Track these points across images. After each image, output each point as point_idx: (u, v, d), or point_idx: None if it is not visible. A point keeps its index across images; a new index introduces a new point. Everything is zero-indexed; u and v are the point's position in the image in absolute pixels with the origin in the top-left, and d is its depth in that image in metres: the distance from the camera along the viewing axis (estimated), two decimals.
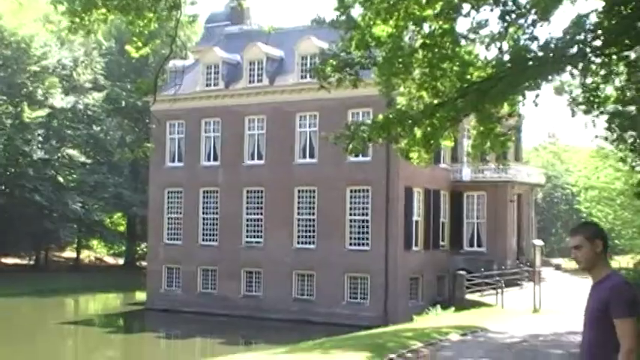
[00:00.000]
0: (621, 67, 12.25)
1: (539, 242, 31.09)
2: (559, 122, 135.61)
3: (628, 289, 4.85)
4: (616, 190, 55.56)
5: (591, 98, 12.44)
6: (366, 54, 11.71)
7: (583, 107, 14.64)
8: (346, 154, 37.80)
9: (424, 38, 12.86)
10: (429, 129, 12.22)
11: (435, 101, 12.45)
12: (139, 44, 12.75)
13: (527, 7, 13.79)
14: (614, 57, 11.71)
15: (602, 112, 12.68)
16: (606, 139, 14.43)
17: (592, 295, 5.05)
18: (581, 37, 12.30)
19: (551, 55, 12.32)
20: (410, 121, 11.87)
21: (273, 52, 42.66)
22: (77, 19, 11.42)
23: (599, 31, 12.01)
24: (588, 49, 12.15)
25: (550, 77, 12.61)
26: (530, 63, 12.44)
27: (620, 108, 12.47)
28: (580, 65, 12.66)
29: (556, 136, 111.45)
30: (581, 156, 78.06)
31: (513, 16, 13.63)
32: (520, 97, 13.30)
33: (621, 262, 67.18)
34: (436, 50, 12.57)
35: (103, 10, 11.59)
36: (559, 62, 12.41)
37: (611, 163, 56.10)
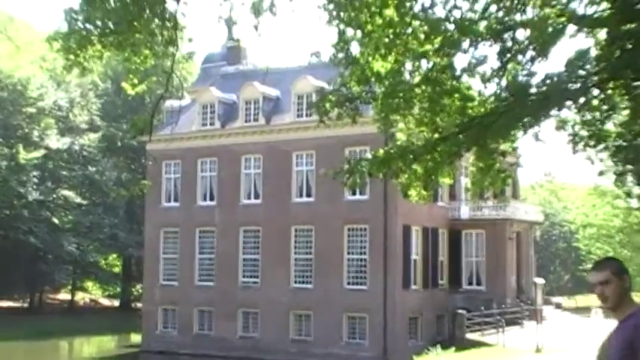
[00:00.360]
0: (624, 102, 12.09)
1: (540, 280, 30.78)
2: (555, 160, 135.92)
3: None
4: (615, 228, 55.44)
5: (596, 132, 12.27)
6: (366, 88, 11.54)
7: (586, 142, 14.44)
8: (344, 190, 37.79)
9: (422, 75, 12.69)
10: (430, 164, 12.01)
11: (436, 136, 12.28)
12: (135, 81, 12.58)
13: (526, 43, 13.69)
14: (617, 91, 11.56)
15: (606, 147, 12.48)
16: (614, 173, 14.19)
17: (615, 337, 4.71)
18: (583, 71, 12.15)
19: (552, 89, 12.16)
20: (411, 156, 11.66)
21: (269, 91, 42.67)
22: (72, 57, 11.24)
23: (602, 65, 11.86)
24: (590, 84, 11.99)
25: (552, 112, 12.44)
26: (532, 97, 12.28)
27: (624, 142, 12.28)
28: (582, 100, 12.49)
29: (552, 174, 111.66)
30: (579, 194, 78.16)
31: (512, 52, 13.52)
32: (520, 133, 13.10)
33: None
34: (436, 85, 12.40)
35: (99, 47, 11.40)
36: (560, 97, 12.24)
37: (608, 201, 56.07)
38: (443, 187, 40.07)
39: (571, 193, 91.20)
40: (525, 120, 12.87)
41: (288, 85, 41.32)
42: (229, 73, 47.02)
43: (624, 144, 12.32)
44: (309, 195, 40.27)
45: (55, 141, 55.94)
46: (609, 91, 12.29)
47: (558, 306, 48.84)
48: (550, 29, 12.98)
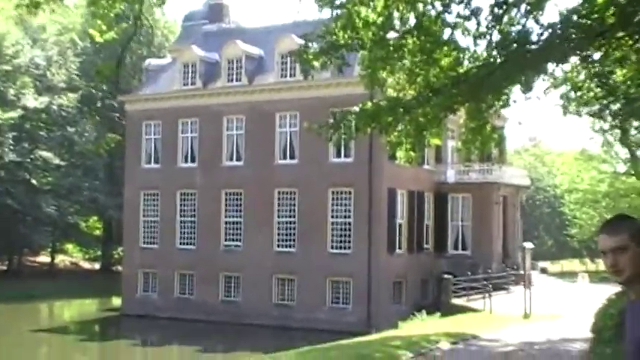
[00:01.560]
0: (632, 55, 11.20)
1: (529, 245, 30.03)
2: (539, 126, 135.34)
3: None
4: (601, 193, 54.90)
5: (604, 85, 11.39)
6: (353, 35, 10.57)
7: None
8: (329, 152, 36.93)
9: (413, 24, 11.72)
10: (421, 119, 11.12)
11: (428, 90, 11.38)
12: (103, 27, 11.57)
13: None
14: (624, 41, 10.68)
15: (615, 99, 11.63)
16: (620, 129, 13.32)
17: (631, 320, 3.61)
18: (588, 20, 11.22)
19: (554, 39, 11.24)
20: (402, 110, 10.75)
21: (252, 50, 41.49)
22: None
23: (607, 12, 10.94)
24: (595, 33, 11.08)
25: (553, 64, 11.57)
26: (533, 48, 11.36)
27: (632, 95, 11.45)
28: (585, 52, 11.60)
29: (537, 139, 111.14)
30: (564, 159, 77.52)
31: (507, 3, 12.62)
32: (519, 87, 12.18)
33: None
34: (428, 35, 11.47)
35: None
36: (563, 47, 11.32)
37: (595, 165, 55.51)
38: (429, 150, 39.30)
39: (556, 159, 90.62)
40: (523, 75, 12.00)
41: (271, 44, 40.16)
42: (211, 32, 45.70)
43: (632, 97, 11.46)
44: (292, 157, 39.35)
45: (32, 100, 54.34)
46: (615, 43, 11.39)
47: (544, 271, 48.51)
48: None
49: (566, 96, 14.21)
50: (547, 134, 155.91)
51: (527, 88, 11.35)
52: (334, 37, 10.51)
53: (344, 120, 11.00)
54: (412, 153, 14.30)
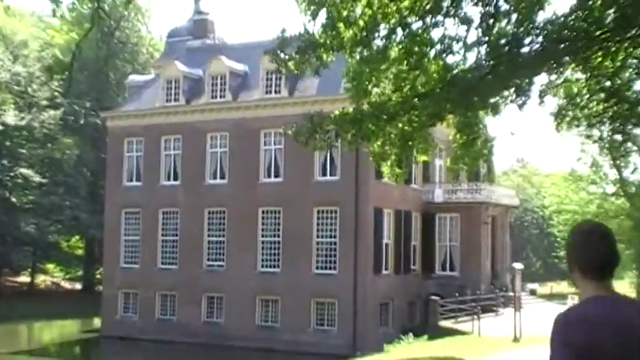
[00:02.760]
0: (631, 58, 10.47)
1: (519, 266, 29.19)
2: (527, 148, 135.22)
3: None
4: (590, 214, 54.24)
5: (600, 89, 10.63)
6: (333, 34, 9.75)
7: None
8: (314, 171, 36.15)
9: (399, 21, 10.96)
10: (407, 127, 10.32)
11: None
12: (64, 28, 10.71)
13: (512, 6, 12.08)
14: (626, 44, 9.95)
15: (618, 102, 10.87)
16: (615, 144, 12.59)
17: None
18: (585, 23, 10.48)
19: (549, 41, 10.49)
20: (385, 117, 9.94)
21: (236, 66, 40.75)
22: None
23: (606, 14, 10.20)
24: (593, 35, 10.33)
25: (548, 68, 10.82)
26: (526, 51, 10.61)
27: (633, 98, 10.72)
28: (583, 55, 10.85)
29: (525, 160, 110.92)
30: (553, 180, 77.01)
31: (498, 14, 11.91)
32: (511, 94, 11.41)
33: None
34: (416, 37, 10.69)
35: None
36: (558, 51, 10.57)
37: (584, 186, 54.88)
38: (416, 168, 38.64)
39: (544, 180, 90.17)
40: (517, 79, 11.25)
41: (256, 61, 39.34)
42: (195, 48, 44.98)
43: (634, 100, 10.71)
44: (277, 175, 38.51)
45: (13, 117, 53.34)
46: (614, 46, 10.65)
47: (533, 292, 47.65)
48: None
49: (560, 106, 13.48)
50: (535, 156, 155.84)
51: (520, 93, 10.59)
52: (313, 36, 9.72)
53: (322, 123, 10.20)
54: (398, 169, 13.52)
